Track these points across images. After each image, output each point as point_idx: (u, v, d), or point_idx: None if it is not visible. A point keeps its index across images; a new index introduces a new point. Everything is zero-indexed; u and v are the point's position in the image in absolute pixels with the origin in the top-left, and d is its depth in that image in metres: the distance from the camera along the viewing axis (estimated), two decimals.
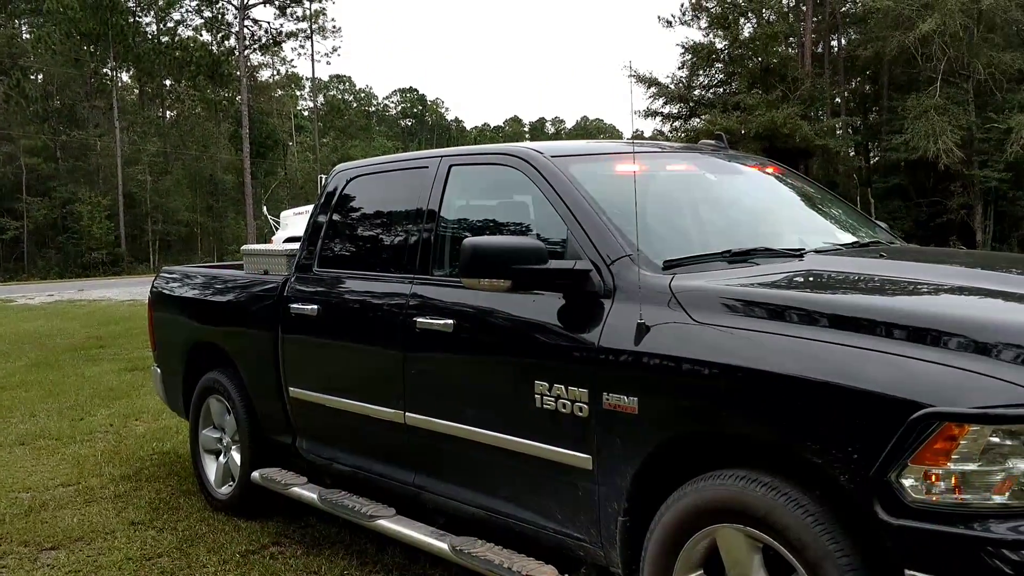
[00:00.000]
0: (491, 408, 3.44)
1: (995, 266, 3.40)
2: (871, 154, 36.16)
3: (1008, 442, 2.13)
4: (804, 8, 33.25)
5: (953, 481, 2.17)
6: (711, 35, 33.46)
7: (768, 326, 2.61)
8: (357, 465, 4.27)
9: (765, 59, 32.19)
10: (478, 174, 3.98)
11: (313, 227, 4.67)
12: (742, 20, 33.31)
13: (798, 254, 3.34)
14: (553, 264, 3.17)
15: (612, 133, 77.37)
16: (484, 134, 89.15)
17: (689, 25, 33.95)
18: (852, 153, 35.41)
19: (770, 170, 4.23)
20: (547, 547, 3.32)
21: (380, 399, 3.99)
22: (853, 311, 2.53)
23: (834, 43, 35.32)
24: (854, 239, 3.83)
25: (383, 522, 3.93)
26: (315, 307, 4.38)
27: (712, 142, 4.46)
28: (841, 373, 2.35)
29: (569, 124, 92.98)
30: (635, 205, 3.12)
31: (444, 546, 3.57)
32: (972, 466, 2.15)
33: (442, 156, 4.08)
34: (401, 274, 4.00)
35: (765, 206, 3.97)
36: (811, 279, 3.04)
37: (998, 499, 2.14)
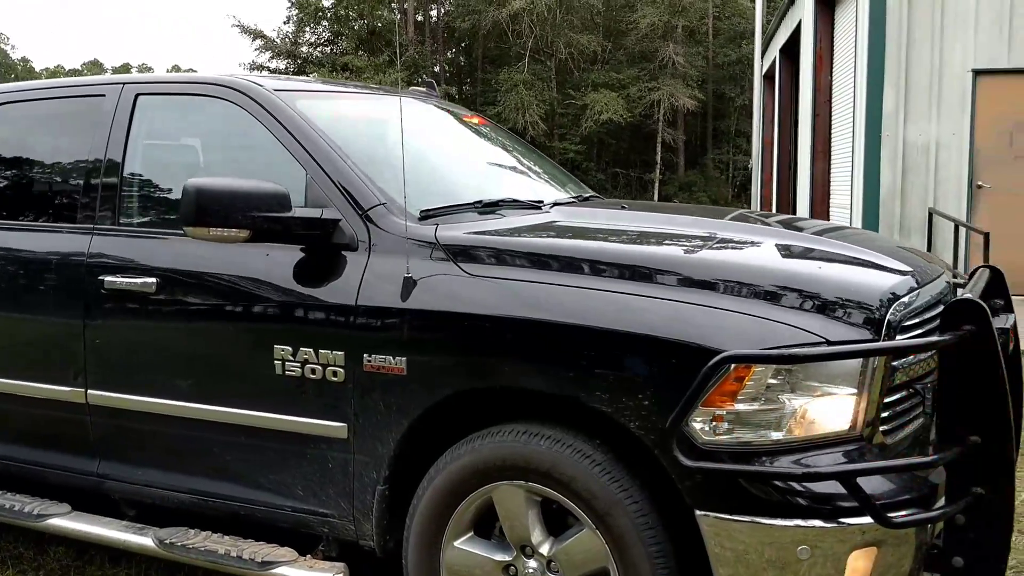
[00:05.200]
0: (213, 379, 3.05)
1: (722, 218, 3.60)
2: None
3: (785, 381, 2.30)
4: None
5: (736, 421, 2.29)
6: None
7: (548, 277, 2.58)
8: (7, 456, 3.58)
9: (371, 22, 32.45)
10: (178, 107, 3.46)
11: None
12: None
13: (540, 206, 3.36)
14: (299, 212, 2.87)
15: None
16: (58, 76, 79.61)
17: None
18: None
19: (476, 121, 4.22)
20: (283, 528, 3.04)
21: (46, 376, 3.37)
22: (631, 260, 2.58)
23: (433, 12, 36.62)
24: (579, 192, 3.94)
25: (57, 521, 3.33)
26: None
27: (423, 89, 4.33)
28: (630, 322, 2.39)
29: (159, 72, 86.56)
30: (402, 148, 2.90)
31: (147, 541, 3.12)
32: (755, 406, 2.29)
33: (124, 83, 3.48)
34: (74, 226, 3.39)
35: (493, 157, 3.94)
36: (575, 229, 3.07)
37: (776, 435, 2.30)
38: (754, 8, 34.27)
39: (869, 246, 3.00)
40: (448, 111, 4.15)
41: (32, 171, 3.70)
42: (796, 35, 14.75)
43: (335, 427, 2.81)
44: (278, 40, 32.69)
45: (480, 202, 3.18)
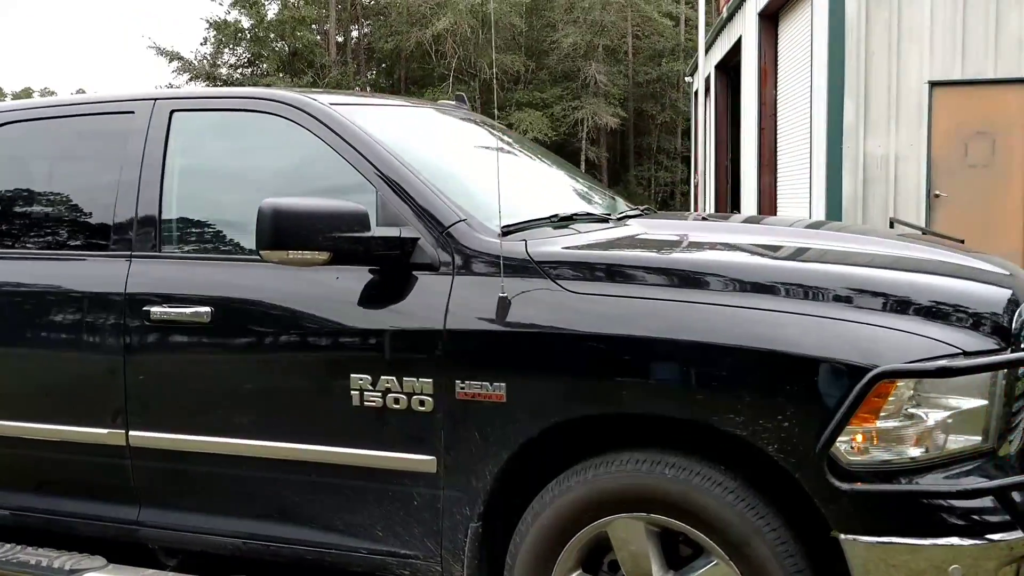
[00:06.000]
0: (278, 414, 2.81)
1: (811, 228, 3.49)
2: None
3: (923, 395, 2.22)
4: None
5: (876, 439, 2.21)
6: (234, 13, 32.31)
7: (670, 293, 2.43)
8: (27, 507, 3.25)
9: (292, 43, 31.95)
10: (220, 123, 3.21)
11: None
12: (269, 2, 32.67)
13: (608, 218, 3.22)
14: (378, 232, 2.67)
15: None
16: None
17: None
18: None
19: (510, 137, 4.07)
20: (355, 573, 2.82)
21: (79, 418, 3.07)
22: (755, 274, 2.47)
23: (355, 33, 36.31)
24: (630, 206, 3.81)
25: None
26: None
27: (454, 103, 4.16)
28: (771, 339, 2.26)
29: (63, 95, 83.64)
30: (497, 161, 2.75)
31: None
32: (895, 423, 2.21)
33: (156, 99, 3.22)
34: (107, 253, 3.10)
35: (538, 170, 3.78)
36: (673, 242, 2.93)
37: (914, 452, 2.22)
38: (672, 27, 35.12)
39: (960, 253, 2.97)
40: (487, 124, 3.99)
41: (52, 195, 3.40)
42: (735, 51, 15.02)
43: (422, 460, 2.61)
44: (195, 62, 31.91)
45: (556, 216, 3.02)
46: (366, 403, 2.65)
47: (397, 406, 2.61)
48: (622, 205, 3.72)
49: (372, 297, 2.71)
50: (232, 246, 3.09)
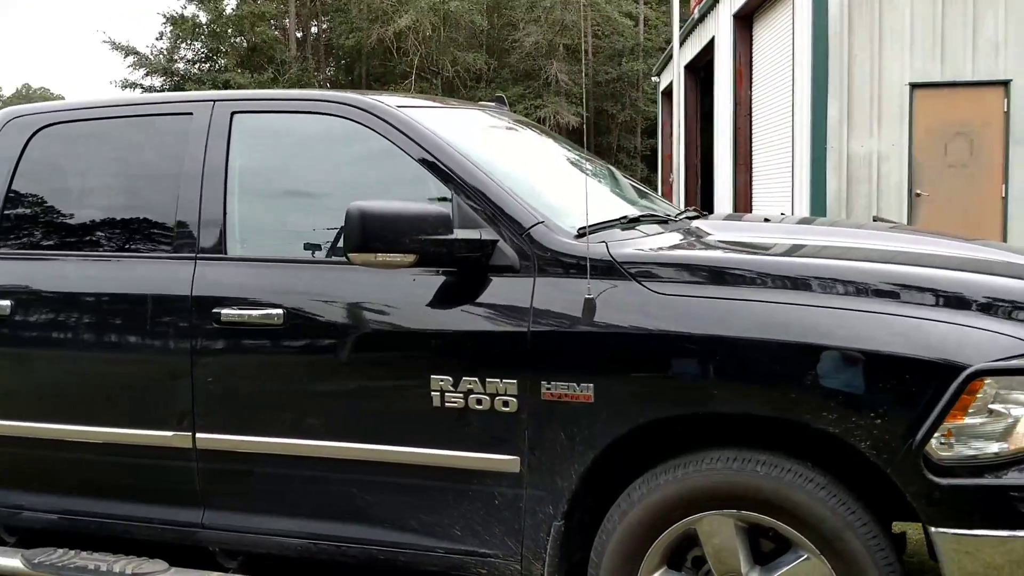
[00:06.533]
0: (354, 415, 2.80)
1: (875, 229, 3.54)
2: None
3: (1007, 392, 2.29)
4: None
5: (964, 435, 2.26)
6: (191, 7, 31.79)
7: (761, 294, 2.47)
8: (77, 511, 3.20)
9: (251, 38, 31.52)
10: (283, 125, 3.18)
11: None
12: None
13: (670, 220, 3.25)
14: (460, 234, 2.67)
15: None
16: None
17: None
18: None
19: (556, 140, 4.08)
20: (431, 572, 2.83)
21: (142, 420, 3.02)
22: (841, 275, 2.52)
23: (314, 29, 35.96)
24: (678, 207, 3.85)
25: None
26: (5, 303, 3.15)
27: (493, 104, 4.16)
28: (866, 339, 2.31)
29: (7, 92, 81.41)
30: (584, 165, 2.79)
31: None
32: (981, 419, 2.26)
33: (215, 100, 3.18)
34: (170, 255, 3.06)
35: (589, 170, 3.80)
36: (752, 244, 2.96)
37: (996, 447, 2.27)
38: (632, 27, 35.36)
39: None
40: (534, 127, 4.01)
41: (109, 197, 3.32)
42: (706, 51, 15.19)
43: (505, 461, 2.62)
44: (151, 57, 31.30)
45: (625, 218, 3.05)
46: (447, 404, 2.65)
47: (480, 407, 2.62)
48: (671, 207, 3.77)
49: (451, 299, 2.71)
50: (300, 248, 3.07)
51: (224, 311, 2.89)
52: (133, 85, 30.99)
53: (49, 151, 3.36)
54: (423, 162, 2.87)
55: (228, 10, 32.10)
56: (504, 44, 33.66)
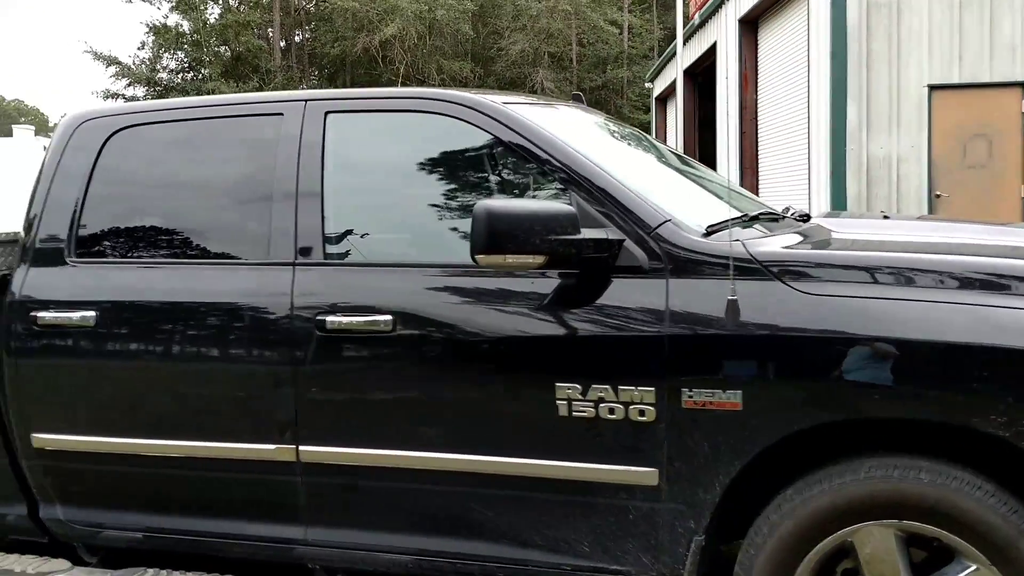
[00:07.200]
0: (470, 426, 2.67)
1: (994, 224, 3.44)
2: None
3: None
4: None
5: None
6: (174, 16, 31.53)
7: (912, 294, 2.37)
8: (165, 528, 3.05)
9: (235, 47, 31.29)
10: (380, 125, 3.06)
11: (50, 199, 3.20)
12: (210, 6, 31.92)
13: (786, 218, 3.16)
14: (588, 234, 2.56)
15: (36, 116, 68.82)
16: None
17: (151, 3, 31.41)
18: None
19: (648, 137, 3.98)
20: None
21: (240, 433, 2.89)
22: (996, 272, 2.41)
23: (299, 38, 35.77)
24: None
25: None
26: (90, 314, 3.01)
27: (572, 103, 4.05)
28: None
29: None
30: (727, 161, 2.65)
31: None
32: None
33: (307, 100, 3.04)
34: (268, 262, 2.93)
35: (686, 167, 3.69)
36: (894, 242, 2.85)
37: None
38: (617, 34, 35.46)
39: None
40: (620, 123, 3.91)
41: (197, 200, 3.17)
42: (706, 57, 15.19)
43: (642, 473, 2.50)
44: (134, 66, 31.00)
45: (745, 215, 2.95)
46: (575, 413, 2.53)
47: (612, 416, 2.50)
48: (767, 205, 3.68)
49: (577, 301, 2.59)
50: (403, 251, 2.96)
51: (329, 318, 2.76)
52: (115, 95, 30.66)
53: (127, 155, 3.21)
54: (538, 160, 2.76)
55: (212, 19, 31.85)
56: (490, 52, 33.69)
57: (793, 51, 11.05)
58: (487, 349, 2.67)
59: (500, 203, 2.49)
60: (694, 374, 2.43)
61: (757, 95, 12.76)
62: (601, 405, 2.51)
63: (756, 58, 12.81)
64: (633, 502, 2.53)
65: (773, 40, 12.13)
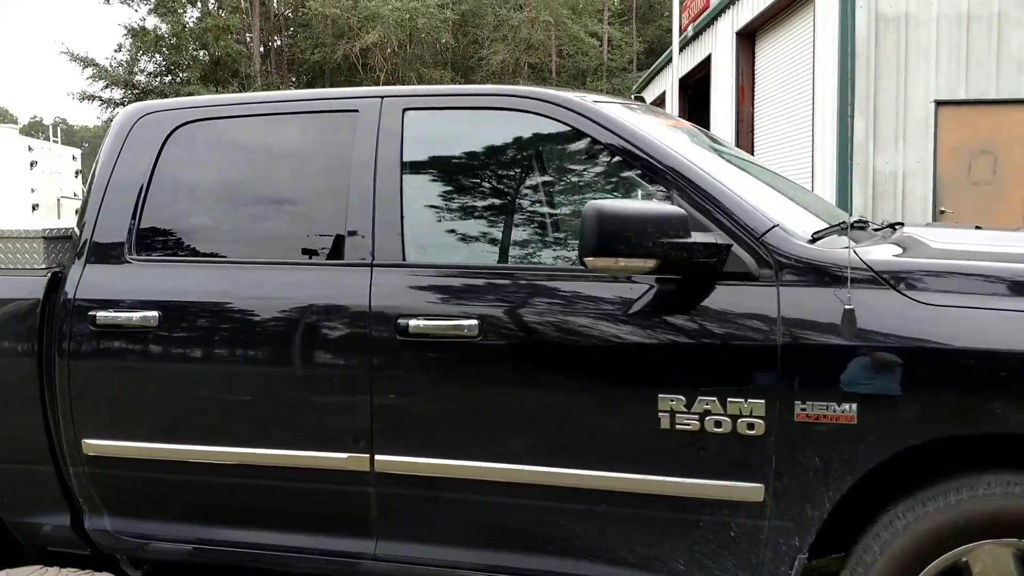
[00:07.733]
0: (564, 437, 2.55)
1: None
2: None
3: None
4: (251, 4, 32.74)
5: None
6: (152, 19, 31.13)
7: None
8: (225, 540, 2.88)
9: (215, 52, 30.93)
10: (462, 122, 2.93)
11: (109, 194, 3.02)
12: (188, 9, 31.54)
13: (866, 225, 3.07)
14: (698, 237, 2.45)
15: (5, 116, 67.69)
16: None
17: (129, 5, 30.97)
18: None
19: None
20: None
21: (310, 440, 2.74)
22: None
23: (278, 43, 35.48)
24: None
25: None
26: (152, 314, 2.84)
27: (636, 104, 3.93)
28: None
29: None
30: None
31: None
32: None
33: (384, 96, 2.91)
34: (344, 263, 2.78)
35: (766, 172, 3.58)
36: (1002, 252, 2.74)
37: None
38: (597, 46, 35.55)
39: None
40: (688, 123, 3.79)
41: (269, 198, 3.04)
42: (700, 69, 15.20)
43: (747, 488, 2.39)
44: (111, 69, 30.53)
45: (843, 223, 2.85)
46: (677, 426, 2.42)
47: (719, 429, 2.39)
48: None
49: (681, 308, 2.48)
50: (486, 253, 2.84)
51: (411, 322, 2.62)
52: (92, 97, 30.20)
53: (192, 150, 3.07)
54: (636, 161, 2.65)
55: (190, 23, 31.49)
56: (470, 62, 33.59)
57: (795, 64, 11.06)
58: (581, 357, 2.55)
59: (611, 203, 2.37)
60: (808, 386, 2.33)
61: (754, 107, 12.77)
62: (707, 418, 2.39)
63: (753, 70, 12.82)
64: (736, 519, 2.42)
65: (772, 52, 12.15)
